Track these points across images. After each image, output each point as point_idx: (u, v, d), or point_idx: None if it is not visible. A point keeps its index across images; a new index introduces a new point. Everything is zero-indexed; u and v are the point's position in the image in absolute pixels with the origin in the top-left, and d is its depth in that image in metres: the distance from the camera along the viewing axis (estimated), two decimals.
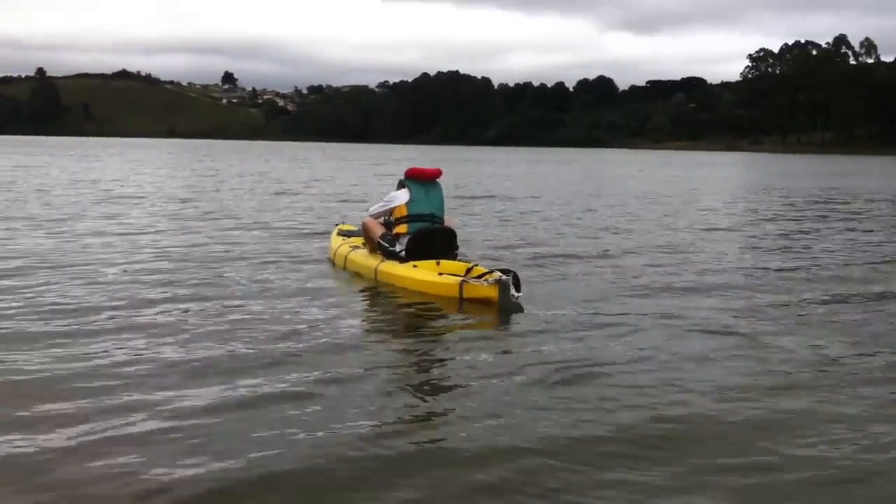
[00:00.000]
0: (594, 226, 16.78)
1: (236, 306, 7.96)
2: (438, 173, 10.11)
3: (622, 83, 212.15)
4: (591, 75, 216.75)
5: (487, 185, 32.45)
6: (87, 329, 7.00)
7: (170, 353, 6.35)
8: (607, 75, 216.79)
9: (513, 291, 8.11)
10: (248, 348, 6.50)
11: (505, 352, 6.63)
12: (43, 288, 8.70)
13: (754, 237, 15.33)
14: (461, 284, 8.39)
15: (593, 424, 5.03)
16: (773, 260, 12.25)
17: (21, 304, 7.89)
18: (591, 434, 4.87)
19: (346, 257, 10.36)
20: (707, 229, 16.54)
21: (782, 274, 10.85)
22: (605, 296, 8.94)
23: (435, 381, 5.93)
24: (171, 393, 5.44)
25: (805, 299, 9.08)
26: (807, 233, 16.46)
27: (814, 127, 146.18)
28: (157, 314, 7.60)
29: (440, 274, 8.80)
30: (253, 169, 42.42)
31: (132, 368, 5.94)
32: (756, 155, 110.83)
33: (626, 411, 5.25)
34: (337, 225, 12.54)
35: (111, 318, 7.41)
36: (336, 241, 11.21)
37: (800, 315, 8.29)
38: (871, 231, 16.87)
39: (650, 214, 19.92)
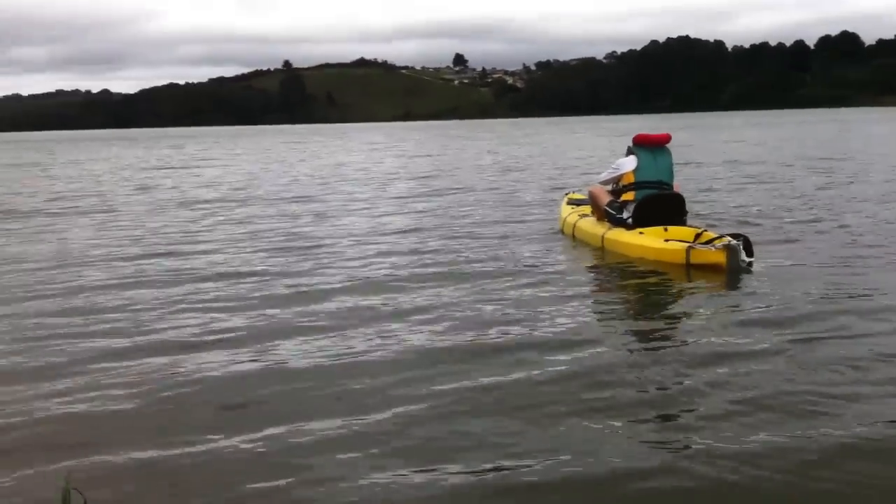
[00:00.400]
0: (836, 193, 15.43)
1: (470, 274, 8.39)
2: (667, 138, 9.90)
3: (868, 38, 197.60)
4: (833, 31, 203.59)
5: (717, 151, 31.48)
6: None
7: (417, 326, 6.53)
8: (851, 30, 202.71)
9: (743, 256, 7.91)
10: (470, 318, 6.66)
11: (738, 323, 6.18)
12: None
13: None
14: (688, 250, 8.18)
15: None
16: None
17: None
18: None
19: (574, 225, 10.53)
20: None
21: None
22: (852, 269, 8.16)
23: (659, 357, 5.50)
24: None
25: None
26: None
27: None
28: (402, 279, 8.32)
29: (666, 241, 8.65)
30: (485, 146, 43.22)
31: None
32: None
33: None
34: (567, 194, 12.61)
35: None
36: (565, 210, 11.37)
37: None
38: None
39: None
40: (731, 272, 7.78)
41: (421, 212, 14.33)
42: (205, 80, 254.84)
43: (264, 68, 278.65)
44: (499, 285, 7.78)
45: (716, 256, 7.96)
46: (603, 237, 9.59)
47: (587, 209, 10.87)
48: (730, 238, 8.15)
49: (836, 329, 5.96)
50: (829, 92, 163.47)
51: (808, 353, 5.44)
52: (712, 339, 5.81)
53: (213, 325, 6.66)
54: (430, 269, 8.76)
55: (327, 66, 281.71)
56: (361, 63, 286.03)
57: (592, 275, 8.61)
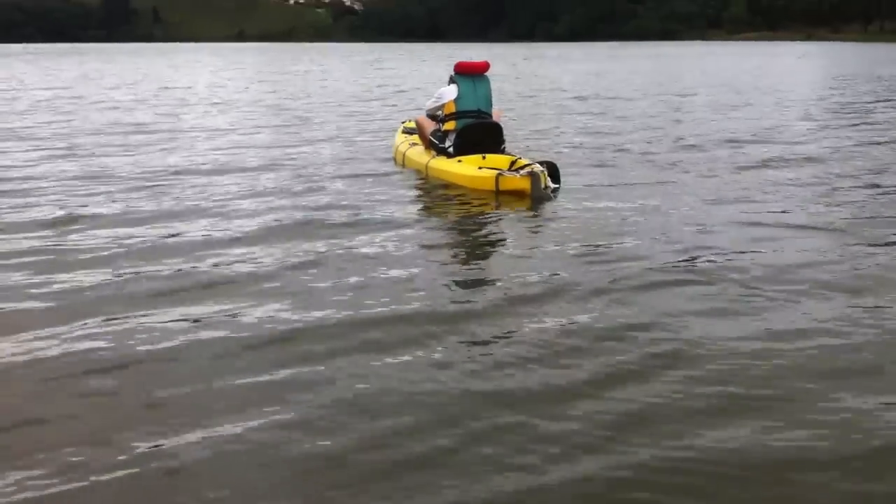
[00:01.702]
0: (657, 122, 16.29)
1: (303, 200, 8.51)
2: (485, 66, 10.10)
3: None
4: None
5: (553, 81, 32.06)
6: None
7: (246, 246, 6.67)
8: None
9: (548, 183, 8.44)
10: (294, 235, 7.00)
11: (524, 254, 6.45)
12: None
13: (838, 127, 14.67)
14: (497, 177, 8.55)
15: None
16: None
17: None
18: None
19: (404, 154, 10.76)
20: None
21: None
22: (653, 188, 8.95)
23: (455, 285, 5.69)
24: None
25: None
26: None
27: None
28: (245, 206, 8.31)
29: (480, 168, 8.93)
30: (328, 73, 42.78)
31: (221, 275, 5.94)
32: (838, 44, 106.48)
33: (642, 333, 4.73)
34: (402, 122, 12.63)
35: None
36: (399, 139, 11.58)
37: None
38: None
39: (716, 107, 19.41)
40: (535, 197, 8.25)
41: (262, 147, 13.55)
42: None
43: None
44: (324, 219, 7.68)
45: (521, 183, 8.40)
46: (427, 165, 9.87)
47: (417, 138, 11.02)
48: (535, 165, 8.62)
49: (614, 251, 6.39)
50: (661, 25, 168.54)
51: (582, 276, 5.74)
52: (502, 267, 6.14)
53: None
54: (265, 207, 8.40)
55: None
56: None
57: (413, 204, 8.65)
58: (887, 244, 6.61)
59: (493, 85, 10.25)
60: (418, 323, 4.86)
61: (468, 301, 5.30)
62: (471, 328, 4.78)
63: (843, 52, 69.92)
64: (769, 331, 4.66)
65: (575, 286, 5.46)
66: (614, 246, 6.52)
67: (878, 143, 12.74)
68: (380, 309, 5.11)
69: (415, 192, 9.17)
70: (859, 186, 9.20)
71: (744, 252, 6.30)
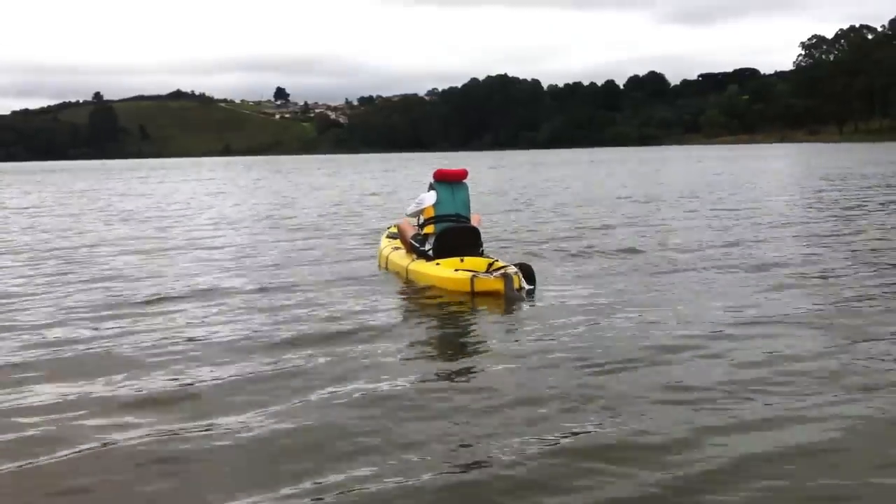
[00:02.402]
0: (632, 223, 16.75)
1: (288, 301, 8.94)
2: (464, 174, 10.58)
3: (674, 78, 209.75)
4: (642, 71, 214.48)
5: (535, 187, 32.70)
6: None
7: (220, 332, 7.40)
8: (659, 70, 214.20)
9: (523, 284, 8.76)
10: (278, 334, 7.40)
11: (493, 352, 6.75)
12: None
13: (812, 233, 14.65)
14: (472, 279, 8.85)
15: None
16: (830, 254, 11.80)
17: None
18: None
19: (387, 258, 11.08)
20: (761, 223, 16.37)
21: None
22: (628, 290, 9.16)
23: (429, 375, 6.08)
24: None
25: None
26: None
27: (871, 114, 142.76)
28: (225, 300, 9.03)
29: (457, 270, 9.21)
30: (315, 182, 43.35)
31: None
32: (812, 145, 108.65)
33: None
34: (388, 227, 12.94)
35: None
36: (383, 243, 11.90)
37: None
38: None
39: (696, 210, 19.74)
40: (509, 298, 8.55)
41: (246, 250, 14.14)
42: (7, 112, 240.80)
43: (73, 100, 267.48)
44: (302, 323, 7.98)
45: (495, 284, 8.71)
46: (407, 268, 10.17)
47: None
48: (511, 267, 8.97)
49: (581, 350, 6.59)
50: (639, 131, 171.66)
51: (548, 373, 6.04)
52: (475, 359, 6.57)
53: None
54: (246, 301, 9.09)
55: (141, 97, 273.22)
56: (177, 95, 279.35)
57: (392, 305, 8.90)
58: (868, 339, 6.79)
59: (476, 190, 10.63)
60: (383, 413, 5.23)
61: (436, 395, 5.59)
62: (437, 422, 5.10)
63: (821, 153, 71.37)
64: (741, 436, 4.77)
65: (539, 388, 5.65)
66: (581, 346, 6.70)
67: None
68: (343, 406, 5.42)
69: (394, 295, 9.43)
70: (838, 283, 9.39)
71: (714, 353, 6.45)
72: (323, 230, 16.80)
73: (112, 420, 5.19)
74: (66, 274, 11.35)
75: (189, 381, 6.04)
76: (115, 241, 15.36)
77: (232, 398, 5.59)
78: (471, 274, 8.93)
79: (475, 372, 6.16)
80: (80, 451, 4.70)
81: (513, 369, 6.13)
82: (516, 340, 7.03)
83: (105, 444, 4.80)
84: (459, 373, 6.15)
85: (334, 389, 5.71)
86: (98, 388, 5.89)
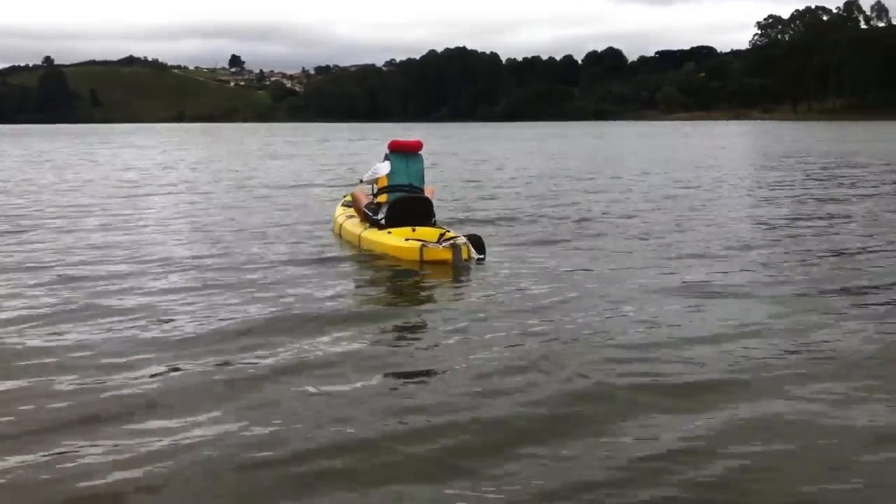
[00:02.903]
0: (588, 199, 16.72)
1: (245, 268, 8.90)
2: (419, 145, 10.69)
3: (632, 54, 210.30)
4: (601, 47, 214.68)
5: (483, 160, 32.42)
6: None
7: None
8: (617, 46, 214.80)
9: (472, 254, 8.92)
10: (235, 309, 7.10)
11: (441, 311, 7.01)
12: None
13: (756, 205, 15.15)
14: (421, 248, 8.96)
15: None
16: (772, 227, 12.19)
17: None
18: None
19: (341, 226, 11.17)
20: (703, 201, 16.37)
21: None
22: (579, 261, 9.28)
23: (378, 344, 6.13)
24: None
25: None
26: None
27: (825, 94, 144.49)
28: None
29: (407, 239, 9.29)
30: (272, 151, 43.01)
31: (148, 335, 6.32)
32: (766, 123, 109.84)
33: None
34: (344, 196, 12.94)
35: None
36: (338, 212, 11.99)
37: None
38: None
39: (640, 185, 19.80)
40: (456, 267, 8.66)
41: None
42: None
43: (22, 64, 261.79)
44: (256, 274, 8.51)
45: (443, 254, 8.83)
46: (360, 236, 10.24)
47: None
48: (461, 237, 9.11)
49: (521, 317, 6.71)
50: (596, 106, 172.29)
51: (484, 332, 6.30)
52: (419, 326, 6.67)
53: None
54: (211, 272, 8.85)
55: (93, 62, 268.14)
56: (130, 61, 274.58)
57: (344, 271, 9.09)
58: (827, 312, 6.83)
59: (431, 161, 10.63)
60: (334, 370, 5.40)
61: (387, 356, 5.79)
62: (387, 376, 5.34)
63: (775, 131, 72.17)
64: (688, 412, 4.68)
65: (481, 359, 5.63)
66: (524, 315, 6.74)
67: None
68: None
69: (346, 262, 9.54)
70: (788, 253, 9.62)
71: (653, 318, 6.57)
72: (281, 198, 16.74)
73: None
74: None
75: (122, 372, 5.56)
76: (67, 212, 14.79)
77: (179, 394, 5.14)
78: (420, 243, 9.02)
79: (421, 345, 6.12)
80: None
81: (456, 340, 6.13)
82: (456, 310, 7.03)
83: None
84: (404, 345, 6.13)
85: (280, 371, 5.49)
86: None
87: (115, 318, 6.68)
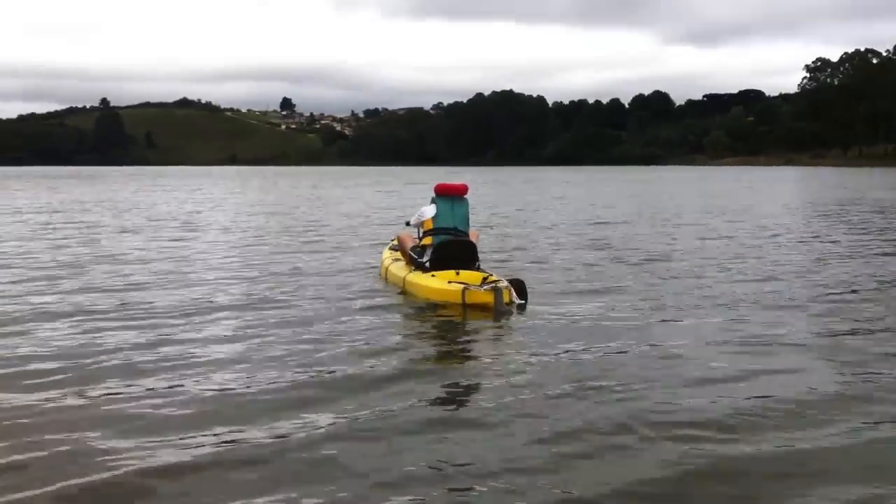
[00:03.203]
0: (637, 244, 16.70)
1: (294, 312, 9.10)
2: (464, 189, 10.85)
3: (679, 98, 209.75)
4: (648, 90, 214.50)
5: (529, 204, 32.83)
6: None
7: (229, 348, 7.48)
8: (664, 90, 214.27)
9: (514, 298, 9.07)
10: (287, 350, 7.39)
11: (488, 356, 7.23)
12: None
13: (814, 252, 15.02)
14: (463, 291, 9.13)
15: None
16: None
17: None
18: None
19: (387, 269, 11.32)
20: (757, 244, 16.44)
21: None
22: (630, 310, 9.20)
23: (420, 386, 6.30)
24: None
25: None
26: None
27: (876, 139, 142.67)
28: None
29: (450, 282, 9.45)
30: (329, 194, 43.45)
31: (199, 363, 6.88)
32: (816, 169, 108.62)
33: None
34: (392, 240, 13.14)
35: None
36: (385, 255, 12.18)
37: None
38: None
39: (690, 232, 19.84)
40: (497, 311, 8.81)
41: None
42: (14, 116, 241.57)
43: (80, 105, 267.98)
44: (305, 314, 8.91)
45: (485, 297, 8.98)
46: (404, 279, 10.37)
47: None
48: (503, 281, 9.24)
49: (564, 363, 6.89)
50: (644, 150, 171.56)
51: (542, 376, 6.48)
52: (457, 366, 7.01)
53: None
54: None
55: (148, 104, 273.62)
56: (184, 103, 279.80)
57: (387, 314, 9.15)
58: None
59: (478, 204, 10.80)
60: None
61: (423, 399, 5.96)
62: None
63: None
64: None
65: (516, 406, 5.76)
66: (563, 363, 6.86)
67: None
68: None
69: (390, 308, 9.55)
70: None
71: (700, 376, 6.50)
72: (330, 241, 17.07)
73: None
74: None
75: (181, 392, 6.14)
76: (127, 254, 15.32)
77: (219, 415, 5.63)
78: (462, 286, 9.18)
79: (457, 387, 6.35)
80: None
81: (492, 384, 6.31)
82: (500, 355, 7.24)
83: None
84: (441, 387, 6.31)
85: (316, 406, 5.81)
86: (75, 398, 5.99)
87: (154, 366, 6.82)
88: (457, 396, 6.12)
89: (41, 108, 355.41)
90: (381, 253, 12.85)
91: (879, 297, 10.03)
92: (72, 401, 5.90)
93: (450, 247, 10.13)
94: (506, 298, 8.92)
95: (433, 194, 10.80)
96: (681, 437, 5.07)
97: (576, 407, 5.67)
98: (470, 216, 10.86)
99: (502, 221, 22.21)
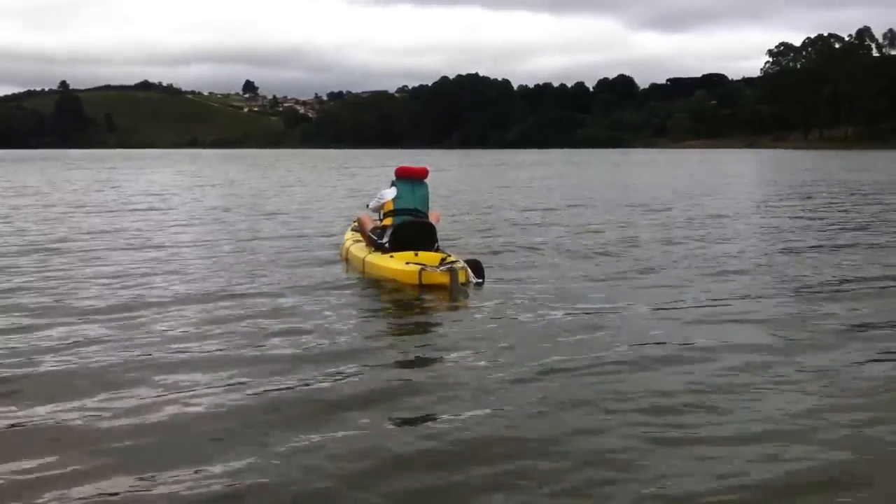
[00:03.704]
0: (592, 225, 16.71)
1: (257, 292, 9.09)
2: (424, 172, 10.95)
3: (643, 82, 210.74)
4: (613, 74, 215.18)
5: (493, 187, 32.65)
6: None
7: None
8: (629, 74, 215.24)
9: (470, 278, 9.21)
10: (241, 330, 7.35)
11: (437, 333, 7.40)
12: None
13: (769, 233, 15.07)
14: (420, 272, 9.21)
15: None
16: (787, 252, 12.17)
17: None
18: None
19: (348, 250, 11.36)
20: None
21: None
22: (580, 288, 9.35)
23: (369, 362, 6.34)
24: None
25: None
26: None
27: (837, 122, 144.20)
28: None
29: (407, 263, 9.50)
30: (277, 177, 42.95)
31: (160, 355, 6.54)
32: (777, 151, 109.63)
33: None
34: (353, 221, 12.99)
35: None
36: (347, 236, 12.21)
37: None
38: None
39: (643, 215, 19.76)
40: (453, 290, 8.93)
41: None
42: None
43: (38, 88, 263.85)
44: (263, 297, 8.80)
45: (441, 278, 9.10)
46: (364, 260, 10.40)
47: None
48: (460, 262, 9.32)
49: (514, 341, 6.91)
50: (608, 133, 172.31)
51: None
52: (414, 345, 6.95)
53: None
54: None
55: (108, 87, 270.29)
56: (145, 86, 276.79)
57: (345, 297, 9.09)
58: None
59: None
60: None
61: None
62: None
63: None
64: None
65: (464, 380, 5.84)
66: (513, 341, 6.87)
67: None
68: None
69: (348, 288, 9.56)
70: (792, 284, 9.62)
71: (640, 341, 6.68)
72: (289, 223, 16.99)
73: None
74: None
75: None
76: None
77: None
78: (419, 267, 9.25)
79: (409, 365, 6.36)
80: None
81: (443, 362, 6.39)
82: (454, 332, 7.31)
83: None
84: (392, 365, 6.33)
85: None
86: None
87: (114, 346, 6.73)
88: (406, 375, 6.09)
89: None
90: (343, 234, 12.79)
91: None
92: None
93: (409, 228, 10.21)
94: (462, 278, 9.04)
95: (393, 177, 10.82)
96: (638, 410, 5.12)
97: (528, 384, 5.70)
98: (430, 199, 10.90)
99: (467, 203, 22.14)
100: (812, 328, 7.25)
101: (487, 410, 5.13)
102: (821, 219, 17.14)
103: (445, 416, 5.09)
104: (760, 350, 6.46)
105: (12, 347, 6.68)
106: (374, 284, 9.59)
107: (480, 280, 9.29)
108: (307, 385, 5.73)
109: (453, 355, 6.47)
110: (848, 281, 9.65)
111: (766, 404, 5.22)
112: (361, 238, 11.22)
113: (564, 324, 7.43)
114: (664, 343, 6.68)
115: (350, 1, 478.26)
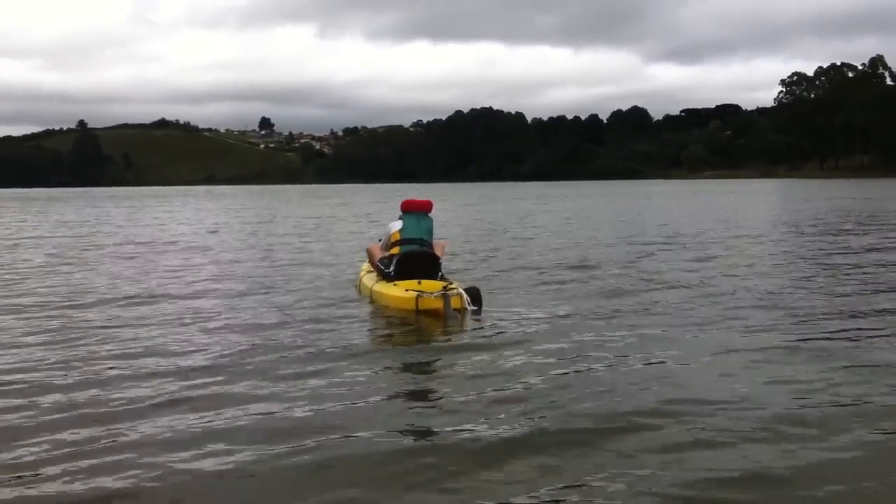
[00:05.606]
0: (599, 256, 16.71)
1: (269, 323, 9.34)
2: (429, 205, 11.44)
3: (657, 113, 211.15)
4: (626, 106, 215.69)
5: (504, 218, 32.60)
6: None
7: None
8: (642, 105, 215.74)
9: (466, 305, 9.53)
10: (263, 357, 7.59)
11: (434, 359, 7.57)
12: None
13: (786, 261, 14.94)
14: (417, 298, 9.67)
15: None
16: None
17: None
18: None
19: (360, 280, 11.84)
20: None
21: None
22: (579, 319, 9.30)
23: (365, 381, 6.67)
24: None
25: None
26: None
27: (852, 150, 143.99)
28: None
29: (406, 290, 9.92)
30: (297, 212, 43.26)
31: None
32: (793, 181, 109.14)
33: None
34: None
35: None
36: (363, 267, 12.56)
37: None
38: None
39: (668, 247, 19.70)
40: (448, 316, 9.33)
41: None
42: None
43: (56, 127, 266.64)
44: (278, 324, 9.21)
45: (435, 303, 9.52)
46: (371, 289, 10.85)
47: None
48: (457, 289, 9.64)
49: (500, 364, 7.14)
50: (622, 164, 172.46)
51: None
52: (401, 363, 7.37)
53: None
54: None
55: (126, 125, 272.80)
56: (162, 124, 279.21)
57: (350, 321, 9.47)
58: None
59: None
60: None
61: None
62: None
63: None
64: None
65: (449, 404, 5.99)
66: (505, 366, 7.02)
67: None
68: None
69: (358, 313, 10.04)
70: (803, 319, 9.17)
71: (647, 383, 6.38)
72: (312, 255, 17.30)
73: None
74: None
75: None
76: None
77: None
78: (416, 294, 9.70)
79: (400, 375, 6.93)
80: None
81: (433, 380, 6.80)
82: (445, 355, 7.64)
83: None
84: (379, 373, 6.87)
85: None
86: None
87: (136, 372, 6.93)
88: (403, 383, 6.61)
89: (17, 131, 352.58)
90: (360, 266, 13.11)
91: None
92: None
93: (412, 258, 10.57)
94: (455, 304, 9.41)
95: (400, 212, 11.27)
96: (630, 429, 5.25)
97: (511, 405, 5.81)
98: (434, 230, 11.25)
99: (476, 233, 22.37)
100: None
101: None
102: None
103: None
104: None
105: None
106: (377, 312, 10.01)
107: (476, 307, 9.61)
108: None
109: (437, 377, 6.87)
110: None
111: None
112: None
113: (557, 352, 7.47)
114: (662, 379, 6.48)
115: (367, 38, 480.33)
